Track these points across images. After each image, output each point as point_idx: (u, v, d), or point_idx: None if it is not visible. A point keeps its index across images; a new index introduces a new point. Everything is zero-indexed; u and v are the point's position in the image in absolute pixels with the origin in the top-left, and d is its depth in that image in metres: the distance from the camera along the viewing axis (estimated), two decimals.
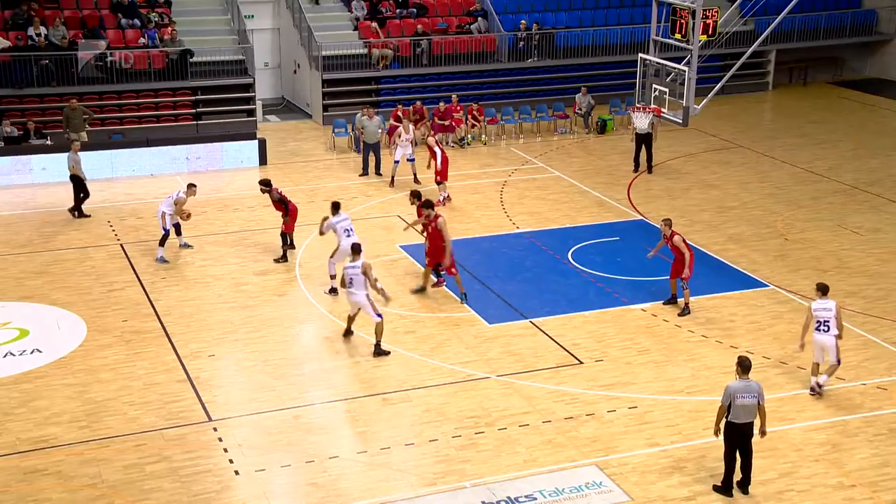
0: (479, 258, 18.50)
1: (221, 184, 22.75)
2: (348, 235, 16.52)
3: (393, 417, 13.27)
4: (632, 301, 16.77)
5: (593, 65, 29.38)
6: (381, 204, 21.37)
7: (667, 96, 21.42)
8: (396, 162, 22.28)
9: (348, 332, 15.27)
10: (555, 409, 13.51)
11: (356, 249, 15.00)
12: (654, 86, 21.33)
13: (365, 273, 14.60)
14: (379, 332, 14.68)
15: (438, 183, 21.17)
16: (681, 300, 16.38)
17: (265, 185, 18.49)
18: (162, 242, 18.25)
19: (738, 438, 11.62)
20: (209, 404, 13.52)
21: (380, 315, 14.67)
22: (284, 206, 18.24)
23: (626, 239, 19.27)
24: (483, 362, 14.17)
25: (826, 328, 13.55)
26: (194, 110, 25.93)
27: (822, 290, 13.79)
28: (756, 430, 11.67)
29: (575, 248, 18.93)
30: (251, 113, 26.55)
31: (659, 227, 16.75)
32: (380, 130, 23.50)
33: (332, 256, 16.94)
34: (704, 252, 18.95)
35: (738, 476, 11.83)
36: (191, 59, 25.73)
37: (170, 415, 13.24)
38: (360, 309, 14.87)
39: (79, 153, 20.53)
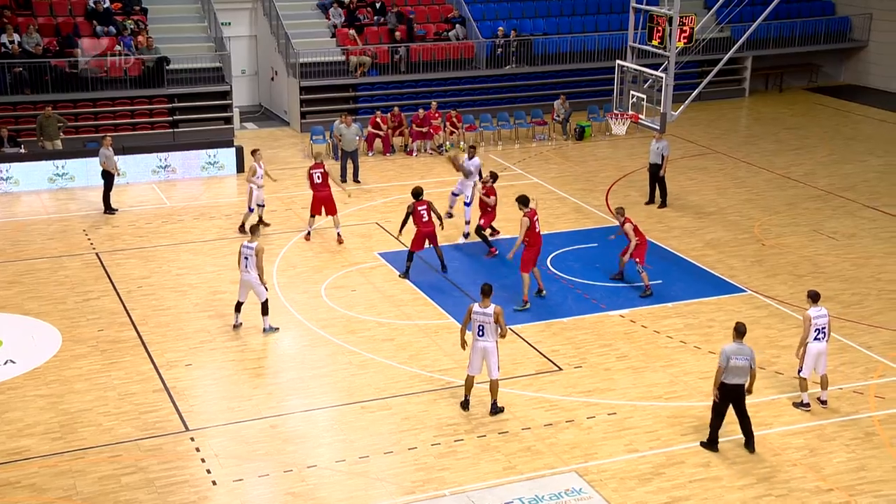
0: (457, 265, 18.49)
1: (198, 192, 22.63)
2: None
3: (371, 426, 13.22)
4: (610, 307, 16.81)
5: (571, 71, 29.48)
6: (359, 212, 21.31)
7: (644, 103, 21.53)
8: (260, 206, 19.60)
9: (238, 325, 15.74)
10: (534, 415, 13.50)
11: (254, 230, 15.60)
12: (632, 92, 21.43)
13: (257, 254, 15.16)
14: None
15: (312, 216, 19.37)
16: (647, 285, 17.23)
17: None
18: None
19: (729, 398, 12.35)
20: (186, 414, 13.41)
21: (266, 289, 15.51)
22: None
23: (604, 245, 19.30)
24: (462, 370, 14.15)
25: (823, 335, 13.44)
26: (171, 118, 25.79)
27: (815, 297, 13.54)
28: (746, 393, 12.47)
29: (553, 254, 18.95)
30: (228, 120, 26.44)
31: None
32: (357, 138, 23.46)
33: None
34: (682, 258, 19.04)
35: (731, 441, 12.28)
36: (167, 67, 25.60)
37: (146, 425, 13.13)
38: (250, 290, 15.40)
39: (110, 148, 20.78)
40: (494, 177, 19.41)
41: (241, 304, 15.72)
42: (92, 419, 13.26)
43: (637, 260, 17.11)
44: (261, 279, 15.35)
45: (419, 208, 17.67)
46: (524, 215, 16.73)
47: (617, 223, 17.73)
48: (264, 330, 15.59)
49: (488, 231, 19.26)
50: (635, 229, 17.22)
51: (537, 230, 16.86)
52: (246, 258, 15.31)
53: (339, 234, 19.40)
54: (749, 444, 12.66)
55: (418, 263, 18.01)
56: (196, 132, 25.49)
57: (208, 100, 26.25)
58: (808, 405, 13.64)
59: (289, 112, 28.19)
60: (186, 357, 15.00)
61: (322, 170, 19.27)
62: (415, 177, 23.40)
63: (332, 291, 17.32)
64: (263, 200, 19.90)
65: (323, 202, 19.25)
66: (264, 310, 15.56)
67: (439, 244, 18.06)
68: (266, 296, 15.54)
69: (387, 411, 13.56)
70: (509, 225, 20.15)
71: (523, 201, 16.94)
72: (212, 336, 15.64)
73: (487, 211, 19.02)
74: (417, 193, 17.89)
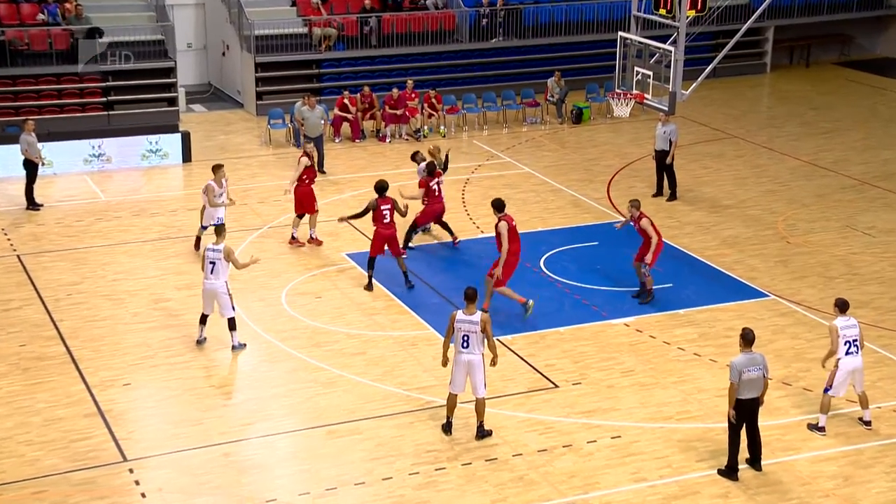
0: (438, 266, 18.48)
1: (137, 184, 22.54)
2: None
3: (340, 453, 13.18)
4: (613, 315, 16.82)
5: (567, 45, 29.57)
6: (325, 207, 21.24)
7: (650, 80, 21.54)
8: (204, 227, 18.69)
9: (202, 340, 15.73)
10: (526, 440, 13.49)
11: (220, 232, 15.52)
12: (637, 68, 21.45)
13: (227, 257, 15.17)
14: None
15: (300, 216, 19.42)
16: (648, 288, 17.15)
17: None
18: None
19: (744, 415, 12.48)
20: (123, 442, 13.33)
21: (234, 307, 15.47)
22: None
23: (605, 244, 19.33)
24: (443, 387, 14.11)
25: (856, 349, 13.47)
26: (105, 99, 25.71)
27: (843, 306, 13.63)
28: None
29: (547, 254, 18.97)
30: (172, 102, 26.39)
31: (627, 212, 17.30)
32: (322, 122, 23.43)
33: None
34: (695, 258, 19.09)
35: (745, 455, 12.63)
36: (100, 39, 25.45)
37: (76, 455, 13.03)
38: (215, 301, 15.36)
39: (33, 133, 20.55)
40: (431, 168, 18.93)
41: (207, 316, 15.61)
42: (12, 449, 13.13)
43: (647, 263, 16.90)
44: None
45: (382, 207, 17.53)
46: (500, 220, 16.39)
47: (626, 218, 17.53)
48: (233, 347, 15.56)
49: (421, 230, 19.23)
50: (652, 225, 16.90)
51: (517, 236, 16.55)
52: (212, 263, 15.24)
53: (312, 235, 19.32)
54: (756, 462, 12.78)
55: (391, 267, 17.93)
56: (135, 115, 25.40)
57: (149, 78, 26.14)
58: (823, 429, 13.66)
59: (243, 92, 28.13)
60: (124, 376, 14.90)
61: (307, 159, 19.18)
62: (388, 166, 23.36)
63: (293, 298, 17.26)
64: (222, 219, 18.46)
65: (304, 198, 19.11)
66: (231, 325, 15.52)
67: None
68: (233, 313, 15.46)
69: (357, 436, 13.52)
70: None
71: (498, 206, 16.54)
72: (153, 351, 15.57)
73: (423, 205, 18.89)
74: (382, 188, 17.71)
